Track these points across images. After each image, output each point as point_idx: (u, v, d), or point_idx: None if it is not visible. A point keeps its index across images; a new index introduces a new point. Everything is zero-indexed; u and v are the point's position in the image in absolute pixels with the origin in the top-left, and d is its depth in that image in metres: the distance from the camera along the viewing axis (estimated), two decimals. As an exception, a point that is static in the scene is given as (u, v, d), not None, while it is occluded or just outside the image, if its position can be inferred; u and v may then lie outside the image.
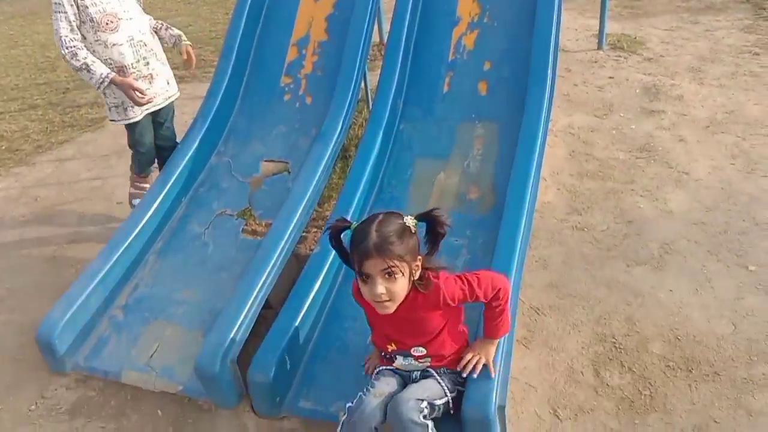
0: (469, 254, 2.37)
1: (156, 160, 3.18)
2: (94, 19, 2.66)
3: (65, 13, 2.62)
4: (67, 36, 2.62)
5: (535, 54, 2.71)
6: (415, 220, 1.67)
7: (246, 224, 2.69)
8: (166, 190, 2.75)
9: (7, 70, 5.91)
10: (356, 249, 1.63)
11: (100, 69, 2.64)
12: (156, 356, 2.28)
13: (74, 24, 2.64)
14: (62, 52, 2.64)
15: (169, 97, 3.03)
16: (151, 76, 2.89)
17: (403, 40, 2.99)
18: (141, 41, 2.81)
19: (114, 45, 2.72)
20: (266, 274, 2.26)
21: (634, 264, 2.59)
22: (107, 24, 2.70)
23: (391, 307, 1.67)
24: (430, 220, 1.68)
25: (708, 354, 2.14)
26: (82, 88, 5.18)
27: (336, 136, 2.78)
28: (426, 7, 3.08)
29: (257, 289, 2.21)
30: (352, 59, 2.98)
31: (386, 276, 1.61)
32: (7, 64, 6.11)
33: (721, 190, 3.01)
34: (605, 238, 2.76)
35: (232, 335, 2.08)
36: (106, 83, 2.66)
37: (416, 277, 1.70)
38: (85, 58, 2.62)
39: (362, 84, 3.65)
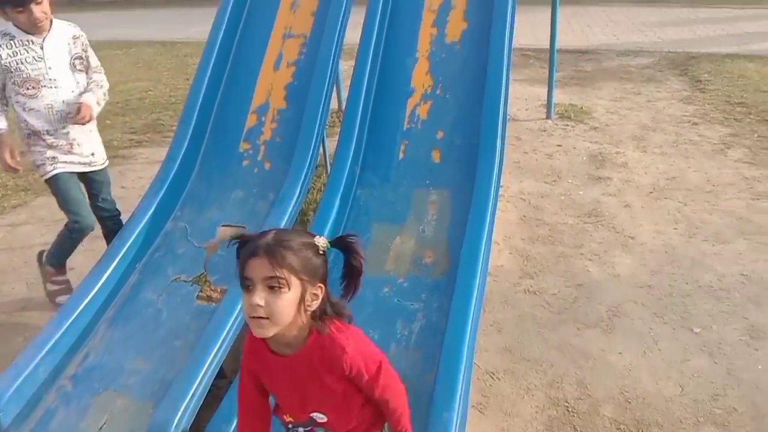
0: (424, 318, 2.39)
1: (104, 235, 3.08)
2: (16, 82, 2.64)
3: None
4: None
5: (485, 124, 2.83)
6: (327, 242, 1.45)
7: (201, 290, 2.67)
8: (120, 255, 2.71)
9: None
10: (243, 249, 1.39)
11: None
12: (105, 429, 2.20)
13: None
14: None
15: (91, 165, 2.90)
16: (71, 145, 2.79)
17: (360, 108, 3.08)
18: (62, 110, 2.73)
19: (30, 109, 2.68)
20: (220, 341, 2.24)
21: (584, 327, 2.65)
22: (27, 89, 2.65)
23: (268, 330, 1.37)
24: (343, 247, 1.47)
25: (657, 416, 2.19)
26: (37, 150, 5.13)
27: (294, 200, 2.81)
28: (382, 78, 3.19)
29: (210, 358, 2.18)
30: (311, 126, 3.05)
31: (270, 288, 1.34)
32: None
33: (665, 253, 3.14)
34: (556, 302, 2.83)
35: (183, 407, 2.03)
36: None
37: (311, 307, 1.42)
38: None
39: (321, 150, 3.73)
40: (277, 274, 1.33)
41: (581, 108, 5.22)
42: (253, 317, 1.36)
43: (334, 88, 3.64)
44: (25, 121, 2.69)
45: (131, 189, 4.34)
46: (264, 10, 3.41)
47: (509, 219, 3.57)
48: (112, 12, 13.30)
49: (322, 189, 3.41)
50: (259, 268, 1.34)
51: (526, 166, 4.23)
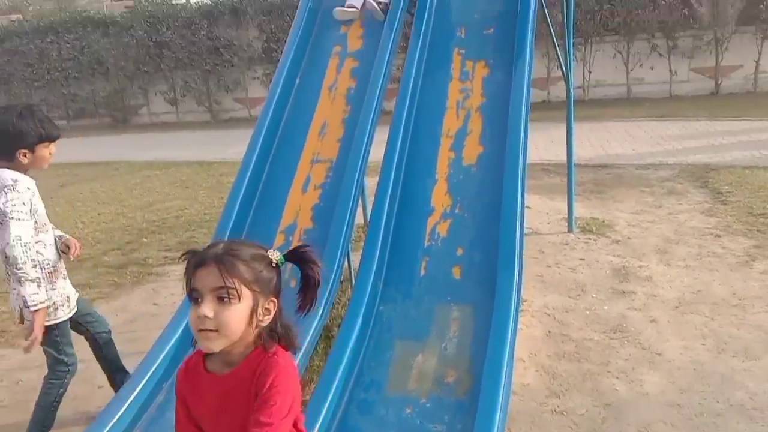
0: (447, 441, 2.37)
1: (108, 377, 3.08)
2: (37, 223, 2.62)
3: (26, 220, 2.51)
4: (30, 242, 2.49)
5: (503, 241, 2.91)
6: (281, 256, 1.40)
7: (225, 409, 2.69)
8: (148, 375, 2.77)
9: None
10: (192, 260, 1.32)
11: (43, 294, 2.52)
12: None
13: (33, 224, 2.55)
14: (21, 257, 2.43)
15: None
16: (64, 275, 2.83)
17: (383, 226, 3.20)
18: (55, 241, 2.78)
19: (48, 245, 2.70)
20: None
21: (613, 448, 2.58)
22: (42, 225, 2.67)
23: (216, 344, 1.30)
24: (299, 259, 1.42)
25: None
26: (75, 268, 5.34)
27: (318, 318, 2.88)
28: (404, 197, 3.34)
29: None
30: (335, 245, 3.16)
31: (219, 299, 1.28)
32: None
33: (694, 370, 3.08)
34: (585, 422, 2.77)
35: None
36: (39, 307, 2.50)
37: (263, 323, 1.36)
38: (38, 272, 2.50)
39: (346, 264, 3.83)
40: (227, 284, 1.28)
41: (603, 221, 5.29)
42: (201, 330, 1.29)
43: (360, 205, 3.79)
44: (48, 259, 2.68)
45: (163, 306, 4.45)
46: (295, 136, 3.64)
47: (534, 335, 3.57)
48: (154, 134, 14.11)
49: (347, 304, 3.48)
50: (207, 277, 1.29)
51: (549, 280, 4.26)
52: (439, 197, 3.27)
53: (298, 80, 3.82)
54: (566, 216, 5.24)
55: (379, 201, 3.28)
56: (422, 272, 3.08)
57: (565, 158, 5.29)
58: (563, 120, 5.23)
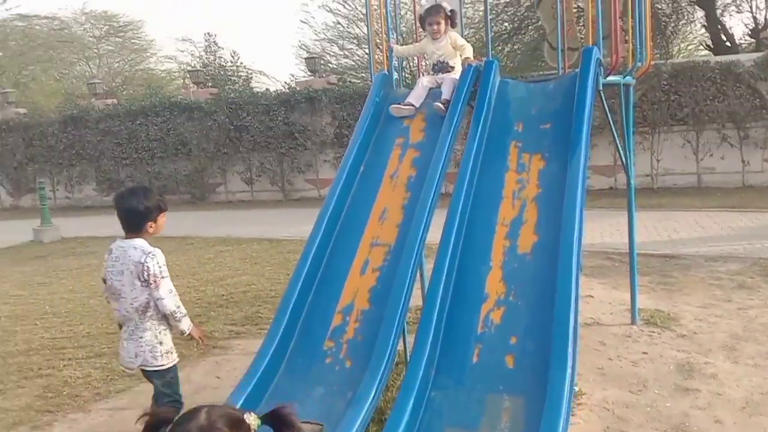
0: None
1: None
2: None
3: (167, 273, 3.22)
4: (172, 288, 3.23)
5: (556, 332, 2.92)
6: (257, 419, 1.36)
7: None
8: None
9: (83, 318, 6.48)
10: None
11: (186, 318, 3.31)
12: None
13: None
14: (176, 303, 3.23)
15: (127, 368, 3.39)
16: (123, 345, 3.32)
17: (436, 311, 3.27)
18: (124, 315, 3.26)
19: (160, 299, 3.20)
20: None
21: None
22: (111, 294, 3.27)
23: None
24: (277, 422, 1.36)
25: None
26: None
27: (369, 401, 2.94)
28: (458, 283, 3.41)
29: None
30: (389, 327, 3.25)
31: None
32: (83, 312, 6.71)
33: (761, 477, 2.93)
34: None
35: None
36: (189, 328, 3.31)
37: None
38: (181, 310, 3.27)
39: (402, 346, 3.90)
40: None
41: (668, 314, 5.16)
42: None
43: (417, 286, 3.89)
44: (160, 312, 3.22)
45: (225, 379, 4.60)
46: (356, 220, 3.82)
47: (592, 430, 3.48)
48: (229, 211, 14.78)
49: (400, 388, 3.53)
50: None
51: (609, 373, 4.17)
52: (494, 284, 3.33)
53: (362, 168, 4.04)
54: (629, 307, 5.15)
55: (433, 286, 3.37)
56: (475, 359, 3.11)
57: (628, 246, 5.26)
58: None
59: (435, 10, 4.33)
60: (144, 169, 17.12)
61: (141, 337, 3.21)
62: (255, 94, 17.08)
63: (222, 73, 21.05)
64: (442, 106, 4.01)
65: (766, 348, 4.39)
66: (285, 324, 3.49)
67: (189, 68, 21.94)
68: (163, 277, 3.15)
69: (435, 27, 4.28)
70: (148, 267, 3.10)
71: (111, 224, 12.69)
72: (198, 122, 16.25)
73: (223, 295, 7.01)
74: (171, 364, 3.31)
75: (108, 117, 17.28)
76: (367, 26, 4.88)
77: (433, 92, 4.27)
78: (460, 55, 4.30)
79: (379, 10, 4.85)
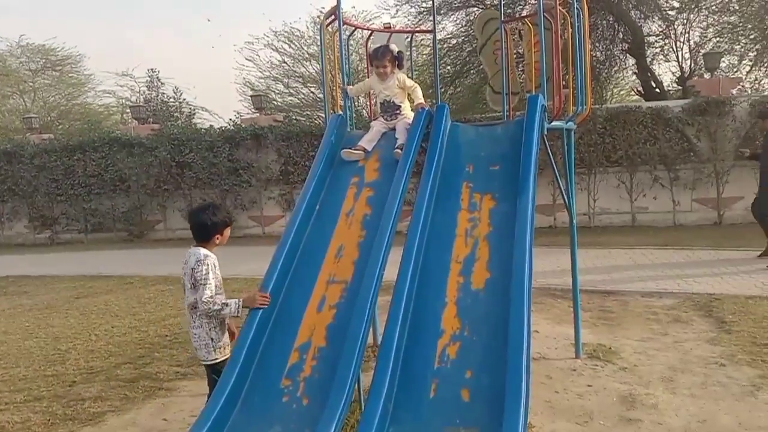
0: None
1: None
2: (218, 286, 3.66)
3: (212, 280, 3.60)
4: (210, 295, 3.57)
5: (510, 365, 3.02)
6: None
7: None
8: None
9: (18, 361, 6.20)
10: None
11: (233, 301, 3.56)
12: None
13: (216, 287, 3.64)
14: (213, 307, 3.55)
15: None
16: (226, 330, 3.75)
17: (394, 348, 3.33)
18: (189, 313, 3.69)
19: (222, 303, 3.61)
20: None
21: None
22: (221, 290, 3.70)
23: None
24: None
25: None
26: (88, 382, 5.42)
27: (328, 438, 2.95)
28: (414, 319, 3.48)
29: None
30: (348, 364, 3.28)
31: None
32: (19, 354, 6.42)
33: (702, 502, 3.07)
34: None
35: None
36: (241, 305, 3.56)
37: None
38: (220, 301, 3.58)
39: (356, 385, 3.91)
40: None
41: (609, 348, 5.37)
42: None
43: (371, 325, 3.93)
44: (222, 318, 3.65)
45: (172, 422, 4.50)
46: (313, 258, 3.86)
47: (542, 461, 3.57)
48: (169, 249, 14.47)
49: (356, 425, 3.54)
50: None
51: (557, 406, 4.30)
52: (449, 320, 3.42)
53: (318, 206, 4.11)
54: (573, 341, 5.33)
55: (391, 323, 3.43)
56: (432, 394, 3.17)
57: (571, 283, 5.46)
58: (569, 245, 5.46)
59: (382, 52, 4.50)
60: (80, 205, 16.63)
61: (195, 334, 3.65)
62: (198, 130, 16.94)
63: (164, 108, 20.83)
64: (400, 151, 4.15)
65: (701, 379, 4.63)
66: (241, 362, 3.47)
67: (130, 103, 21.57)
68: (204, 284, 3.54)
69: (381, 70, 4.46)
70: (197, 271, 3.56)
71: (44, 263, 12.39)
72: (138, 158, 15.95)
73: (166, 336, 6.85)
74: (224, 358, 3.61)
75: (44, 152, 16.75)
76: (322, 71, 5.01)
77: (386, 135, 4.41)
78: (411, 97, 4.48)
79: (333, 53, 4.99)
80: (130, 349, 6.42)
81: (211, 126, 17.58)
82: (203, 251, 3.67)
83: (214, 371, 3.64)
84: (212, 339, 3.66)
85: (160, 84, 21.88)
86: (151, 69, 22.14)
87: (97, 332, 7.17)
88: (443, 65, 16.20)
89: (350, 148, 4.30)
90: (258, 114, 16.96)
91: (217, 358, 3.67)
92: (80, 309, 8.48)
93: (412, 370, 3.28)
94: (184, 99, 21.86)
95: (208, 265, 3.61)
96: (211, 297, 3.56)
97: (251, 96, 18.57)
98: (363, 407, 3.70)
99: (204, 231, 3.71)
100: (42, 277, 11.38)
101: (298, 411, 3.26)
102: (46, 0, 36.82)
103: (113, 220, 16.68)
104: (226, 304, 3.56)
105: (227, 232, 3.80)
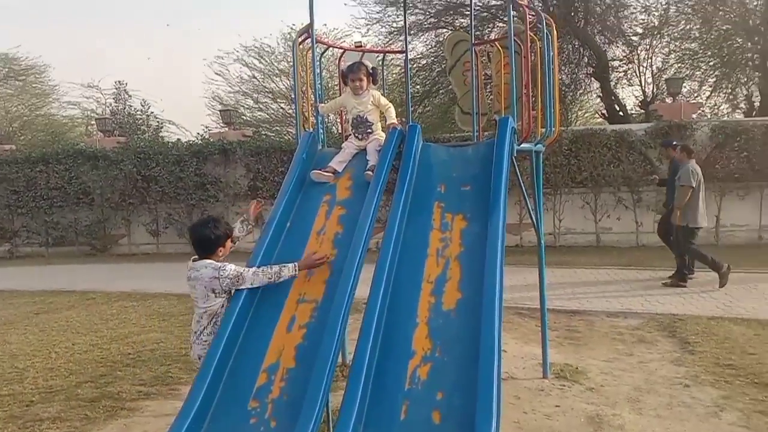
0: None
1: None
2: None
3: (225, 293, 3.70)
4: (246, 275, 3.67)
5: (481, 386, 3.02)
6: None
7: None
8: None
9: (-23, 379, 5.97)
10: None
11: (287, 265, 3.69)
12: None
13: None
14: (266, 277, 3.67)
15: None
16: (192, 347, 3.80)
17: (365, 368, 3.30)
18: (198, 321, 3.74)
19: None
20: None
21: None
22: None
23: None
24: None
25: None
26: (46, 401, 5.24)
27: (297, 461, 2.90)
28: (385, 340, 3.46)
29: None
30: (317, 385, 3.23)
31: None
32: (-24, 373, 6.19)
33: None
34: None
35: None
36: (298, 267, 3.68)
37: None
38: (272, 267, 3.68)
39: (325, 407, 3.86)
40: None
41: (576, 368, 5.42)
42: None
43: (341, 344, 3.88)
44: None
45: None
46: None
47: (510, 482, 3.57)
48: (133, 264, 14.19)
49: (325, 447, 3.49)
50: None
51: (526, 427, 4.30)
52: (420, 340, 3.40)
53: (289, 224, 4.07)
54: (541, 361, 5.36)
55: (362, 343, 3.39)
56: (402, 416, 3.13)
57: (538, 303, 5.51)
58: (536, 264, 5.51)
59: (357, 67, 4.52)
60: (41, 218, 16.22)
61: (206, 341, 3.65)
62: (165, 144, 16.73)
63: (131, 121, 20.53)
64: (371, 173, 4.15)
65: (666, 399, 4.69)
66: (208, 382, 3.39)
67: (96, 115, 21.22)
68: (219, 295, 3.67)
69: (357, 83, 4.46)
70: (224, 277, 3.61)
71: (2, 277, 12.07)
72: (103, 171, 15.66)
73: (129, 354, 6.68)
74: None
75: (4, 163, 16.32)
76: (294, 87, 5.00)
77: (358, 155, 4.41)
78: (384, 116, 4.48)
79: (306, 70, 4.99)
80: (91, 367, 6.24)
81: (178, 140, 17.41)
82: (213, 262, 3.71)
83: None
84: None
85: (127, 96, 21.61)
86: (119, 81, 21.88)
87: (57, 350, 6.96)
88: (413, 84, 16.37)
89: (320, 170, 4.28)
90: (227, 129, 16.84)
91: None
92: (40, 325, 8.23)
93: (383, 392, 3.25)
94: (152, 112, 21.61)
95: (228, 267, 3.67)
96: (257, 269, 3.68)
97: (220, 110, 18.46)
98: (332, 429, 3.66)
99: (208, 244, 3.75)
100: (0, 291, 11.03)
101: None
102: (10, 8, 36.09)
103: (76, 234, 16.30)
104: (280, 271, 3.65)
105: (229, 243, 3.83)
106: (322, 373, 3.26)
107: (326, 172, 4.27)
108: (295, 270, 3.66)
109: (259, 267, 3.71)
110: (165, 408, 5.01)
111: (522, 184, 5.25)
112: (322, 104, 4.95)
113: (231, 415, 3.31)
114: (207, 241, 3.73)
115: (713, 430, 4.13)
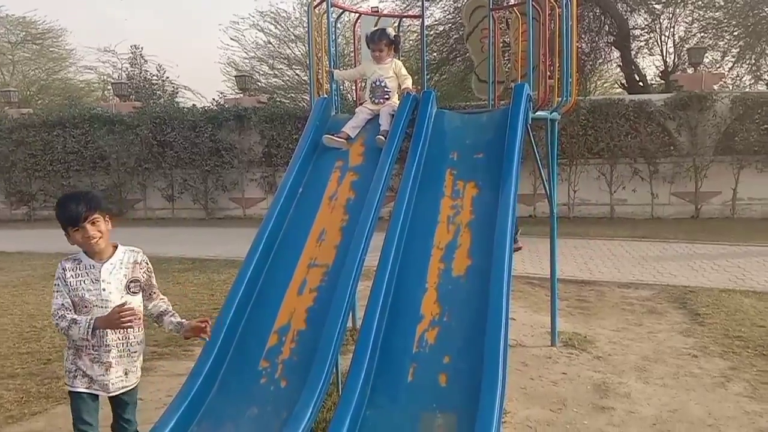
0: None
1: None
2: (74, 300, 2.91)
3: (60, 291, 2.92)
4: (57, 308, 2.89)
5: (487, 352, 3.05)
6: None
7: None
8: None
9: (-8, 337, 6.13)
10: None
11: (83, 320, 2.83)
12: None
13: (66, 300, 2.90)
14: (53, 321, 2.90)
15: (122, 388, 3.04)
16: (110, 365, 2.96)
17: (373, 332, 3.34)
18: (106, 332, 2.91)
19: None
20: None
21: None
22: (82, 307, 2.91)
23: None
24: None
25: None
26: (63, 359, 5.36)
27: (305, 420, 2.96)
28: (395, 304, 3.49)
29: None
30: (327, 347, 3.28)
31: None
32: (-7, 331, 6.35)
33: (670, 488, 3.15)
34: None
35: None
36: (91, 326, 2.81)
37: None
38: (68, 316, 2.84)
39: (334, 369, 3.93)
40: None
41: (585, 337, 5.45)
42: None
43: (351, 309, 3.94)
44: (72, 337, 2.87)
45: (149, 402, 4.46)
46: (294, 241, 3.85)
47: (516, 446, 3.63)
48: (148, 229, 14.34)
49: (333, 408, 3.56)
50: None
51: (532, 393, 4.36)
52: (429, 305, 3.44)
53: (301, 189, 4.09)
54: (550, 330, 5.40)
55: (371, 307, 3.44)
56: (410, 378, 3.19)
57: (549, 272, 5.52)
58: (548, 235, 5.51)
59: (379, 35, 4.45)
60: (58, 182, 16.40)
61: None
62: (181, 109, 16.76)
63: (147, 86, 20.55)
64: (383, 138, 4.13)
65: (673, 369, 4.72)
66: (219, 343, 3.46)
67: (112, 80, 21.26)
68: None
69: (377, 53, 4.41)
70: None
71: (20, 239, 12.23)
72: (119, 136, 15.75)
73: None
74: (67, 388, 3.02)
75: (22, 127, 16.47)
76: (309, 52, 4.97)
77: (371, 120, 4.39)
78: (400, 85, 4.45)
79: (321, 36, 4.95)
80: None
81: (194, 105, 17.43)
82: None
83: (135, 394, 3.17)
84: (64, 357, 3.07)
85: (143, 61, 21.61)
86: (134, 45, 21.86)
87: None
88: (430, 52, 16.18)
89: (333, 135, 4.27)
90: (242, 95, 16.82)
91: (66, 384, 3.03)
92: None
93: (391, 355, 3.30)
94: (167, 77, 21.64)
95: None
96: (54, 310, 2.93)
97: (235, 76, 18.41)
98: (341, 390, 3.73)
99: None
100: (18, 253, 11.23)
101: (276, 393, 3.27)
102: (26, -29, 35.94)
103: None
104: (75, 322, 2.85)
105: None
106: (332, 335, 3.31)
107: (339, 137, 4.26)
108: (89, 322, 2.82)
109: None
110: (178, 368, 5.12)
111: (537, 154, 5.22)
112: (337, 69, 4.92)
113: (241, 375, 3.39)
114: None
115: (719, 400, 4.16)
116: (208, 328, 3.10)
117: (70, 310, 2.88)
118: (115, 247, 3.06)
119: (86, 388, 2.96)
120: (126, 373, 3.04)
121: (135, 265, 3.08)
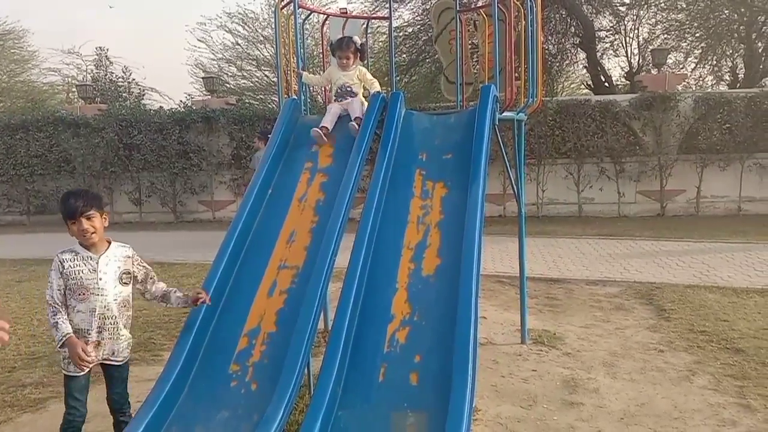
0: None
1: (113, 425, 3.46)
2: (71, 288, 3.20)
3: (51, 283, 3.19)
4: (51, 297, 3.16)
5: (457, 350, 3.08)
6: None
7: None
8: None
9: (-46, 346, 5.96)
10: None
11: (63, 329, 3.11)
12: None
13: (60, 289, 3.17)
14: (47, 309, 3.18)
15: (109, 361, 3.34)
16: (98, 343, 3.25)
17: (344, 332, 3.34)
18: (102, 314, 3.23)
19: (78, 312, 3.19)
20: None
21: None
22: (78, 294, 3.19)
23: None
24: None
25: None
26: (29, 367, 5.26)
27: (277, 422, 2.95)
28: (365, 305, 3.51)
29: None
30: (297, 349, 3.28)
31: None
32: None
33: (638, 481, 3.21)
34: None
35: None
36: (62, 342, 3.11)
37: None
38: (57, 317, 3.13)
39: (305, 370, 3.92)
40: None
41: (554, 334, 5.52)
42: None
43: (322, 310, 3.93)
44: (71, 321, 3.17)
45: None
46: (264, 243, 3.83)
47: (487, 444, 3.66)
48: (115, 233, 14.07)
49: (304, 410, 3.54)
50: None
51: (502, 390, 4.40)
52: (399, 305, 3.45)
53: (270, 191, 4.07)
54: (520, 327, 5.46)
55: (341, 307, 3.44)
56: (381, 378, 3.20)
57: (519, 271, 5.58)
58: (517, 234, 5.57)
59: (346, 43, 4.47)
60: (22, 186, 16.06)
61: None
62: (148, 111, 16.54)
63: (113, 88, 20.22)
64: (356, 125, 4.16)
65: (641, 364, 4.81)
66: (188, 348, 3.43)
67: (77, 82, 20.84)
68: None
69: (345, 60, 4.44)
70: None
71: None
72: (84, 139, 15.47)
73: (113, 320, 6.68)
74: (64, 373, 3.30)
75: (-18, 130, 16.08)
76: (276, 53, 4.95)
77: (342, 118, 4.39)
78: (369, 90, 4.47)
79: (288, 37, 4.94)
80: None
81: (160, 107, 17.20)
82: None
83: (125, 370, 3.46)
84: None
85: (108, 63, 21.26)
86: (100, 47, 21.49)
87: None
88: (399, 53, 16.22)
89: (317, 128, 4.25)
90: (210, 96, 16.66)
91: (62, 369, 3.29)
92: (21, 293, 8.19)
93: (362, 355, 3.31)
94: (133, 79, 21.31)
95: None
96: (48, 299, 3.19)
97: (203, 78, 18.22)
98: (312, 391, 3.72)
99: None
100: (-20, 259, 10.95)
101: (247, 396, 3.25)
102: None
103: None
104: (56, 326, 3.12)
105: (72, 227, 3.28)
106: (303, 337, 3.30)
107: (320, 131, 4.26)
108: (64, 336, 3.08)
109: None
110: (147, 373, 5.04)
111: (505, 155, 5.28)
112: (305, 71, 4.91)
113: (212, 379, 3.36)
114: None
115: (684, 393, 4.25)
116: (203, 294, 3.40)
117: (61, 305, 3.15)
118: (109, 243, 3.36)
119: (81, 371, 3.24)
120: (113, 353, 3.33)
121: (127, 258, 3.38)
